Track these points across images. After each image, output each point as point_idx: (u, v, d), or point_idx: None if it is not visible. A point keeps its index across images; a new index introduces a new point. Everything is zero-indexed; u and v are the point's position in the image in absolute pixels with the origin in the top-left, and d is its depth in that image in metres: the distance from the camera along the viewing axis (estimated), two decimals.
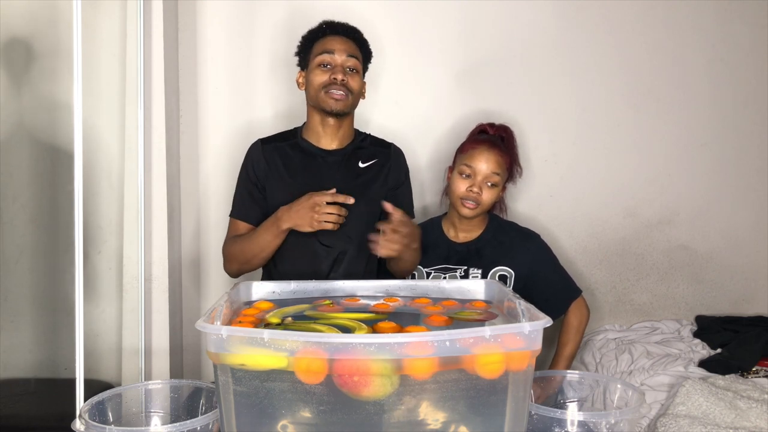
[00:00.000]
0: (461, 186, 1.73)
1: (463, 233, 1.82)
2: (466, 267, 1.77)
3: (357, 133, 1.78)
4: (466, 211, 1.73)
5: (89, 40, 1.87)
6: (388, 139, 1.82)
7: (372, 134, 1.82)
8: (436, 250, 1.82)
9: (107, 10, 1.98)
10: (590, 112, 2.30)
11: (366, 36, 1.73)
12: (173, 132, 2.09)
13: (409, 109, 2.26)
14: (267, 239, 1.61)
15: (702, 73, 2.32)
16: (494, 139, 1.81)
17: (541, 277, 1.78)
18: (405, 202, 1.77)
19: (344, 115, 1.68)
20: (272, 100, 2.21)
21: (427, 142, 2.25)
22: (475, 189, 1.71)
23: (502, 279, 1.75)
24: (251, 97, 2.23)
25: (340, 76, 1.61)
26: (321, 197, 1.53)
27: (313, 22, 1.73)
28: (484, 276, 1.74)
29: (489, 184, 1.72)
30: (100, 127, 1.98)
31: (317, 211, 1.52)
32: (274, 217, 1.59)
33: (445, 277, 1.76)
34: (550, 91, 2.28)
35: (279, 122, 2.17)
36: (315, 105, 1.68)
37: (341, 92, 1.62)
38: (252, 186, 1.71)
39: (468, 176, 1.73)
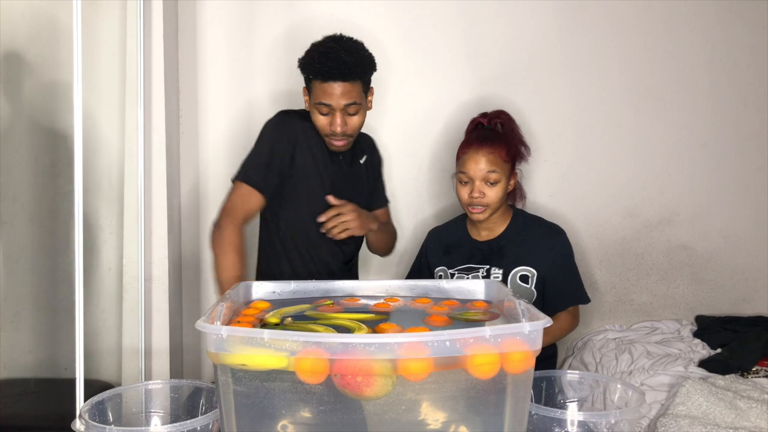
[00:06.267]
0: (463, 193, 1.71)
1: (485, 231, 1.78)
2: (488, 266, 1.74)
3: None
4: (476, 217, 1.71)
5: (89, 40, 1.87)
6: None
7: None
8: (459, 250, 1.79)
9: (107, 10, 1.98)
10: (590, 112, 2.30)
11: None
12: (173, 132, 2.09)
13: (411, 111, 2.26)
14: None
15: (702, 73, 2.31)
16: (486, 133, 1.72)
17: (555, 275, 1.73)
18: (382, 189, 1.92)
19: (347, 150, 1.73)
20: (272, 100, 2.21)
21: (428, 145, 2.25)
22: (476, 194, 1.68)
23: (524, 279, 1.71)
24: (251, 97, 2.23)
25: (339, 129, 1.61)
26: None
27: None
28: (505, 276, 1.71)
29: (489, 183, 1.68)
30: (100, 127, 1.98)
31: None
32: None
33: (468, 277, 1.74)
34: (551, 91, 2.28)
35: None
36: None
37: (342, 142, 1.65)
38: (276, 156, 1.66)
39: (466, 182, 1.70)
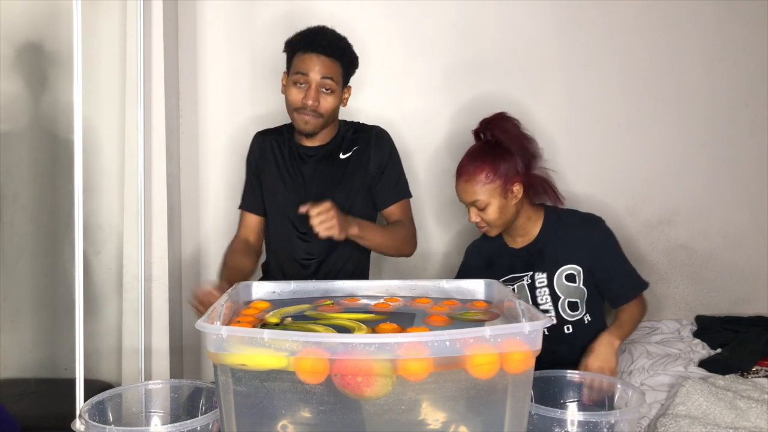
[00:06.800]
0: (468, 216, 1.69)
1: (520, 237, 1.72)
2: (531, 272, 1.69)
3: (343, 124, 1.81)
4: (489, 235, 1.69)
5: (89, 40, 1.87)
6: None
7: (361, 122, 1.86)
8: (500, 262, 1.74)
9: (107, 10, 1.98)
10: (589, 113, 2.30)
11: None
12: (173, 132, 2.08)
13: (407, 111, 2.25)
14: None
15: (701, 73, 2.31)
16: (474, 154, 1.66)
17: (603, 267, 1.66)
18: (391, 184, 1.77)
19: (315, 134, 1.72)
20: (272, 99, 2.20)
21: (424, 145, 2.25)
22: (472, 220, 1.66)
23: (570, 278, 1.65)
24: (251, 96, 2.23)
25: (310, 102, 1.63)
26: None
27: (313, 23, 1.73)
28: (550, 279, 1.66)
29: (480, 208, 1.64)
30: (100, 127, 1.98)
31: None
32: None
33: (514, 288, 1.69)
34: (549, 92, 2.28)
35: (278, 122, 2.15)
36: (290, 118, 1.73)
37: (310, 116, 1.66)
38: (252, 176, 1.84)
39: (467, 207, 1.68)
